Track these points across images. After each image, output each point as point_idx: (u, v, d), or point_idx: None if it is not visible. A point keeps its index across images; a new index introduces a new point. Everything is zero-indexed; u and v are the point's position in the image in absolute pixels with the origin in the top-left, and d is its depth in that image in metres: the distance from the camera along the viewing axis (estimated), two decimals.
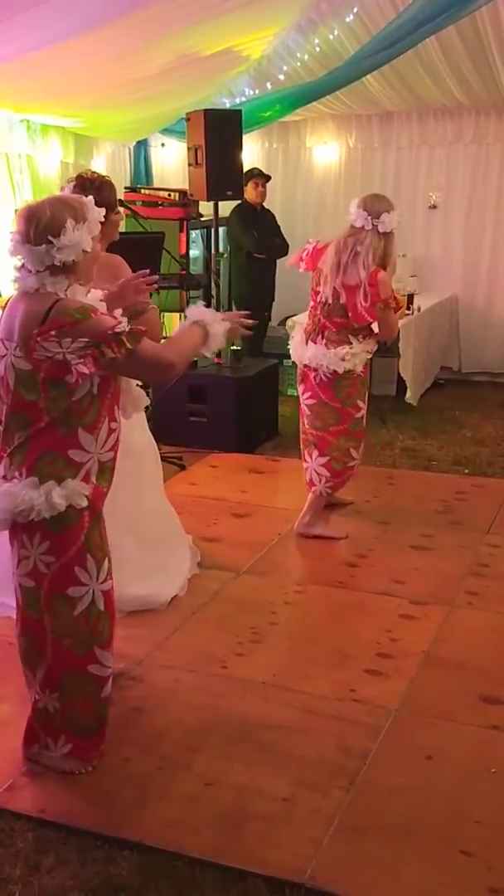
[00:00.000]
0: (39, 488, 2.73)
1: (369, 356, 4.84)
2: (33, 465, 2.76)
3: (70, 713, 2.97)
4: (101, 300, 3.01)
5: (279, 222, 7.90)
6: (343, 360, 4.72)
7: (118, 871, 2.62)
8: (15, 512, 2.75)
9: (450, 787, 2.96)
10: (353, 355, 4.73)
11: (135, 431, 3.91)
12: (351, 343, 4.73)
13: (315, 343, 4.80)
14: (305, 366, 4.87)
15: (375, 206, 4.61)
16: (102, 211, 2.87)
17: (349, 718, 3.32)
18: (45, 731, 3.02)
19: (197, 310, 3.02)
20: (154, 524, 4.28)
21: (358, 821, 2.80)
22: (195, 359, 3.56)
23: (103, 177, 3.98)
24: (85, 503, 2.78)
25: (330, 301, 4.68)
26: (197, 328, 2.96)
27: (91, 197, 2.88)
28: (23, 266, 2.78)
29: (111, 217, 3.86)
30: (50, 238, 2.67)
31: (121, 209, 4.15)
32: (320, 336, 4.78)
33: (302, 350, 4.89)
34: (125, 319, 2.74)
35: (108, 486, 2.90)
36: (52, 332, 2.64)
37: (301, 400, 5.01)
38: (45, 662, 2.92)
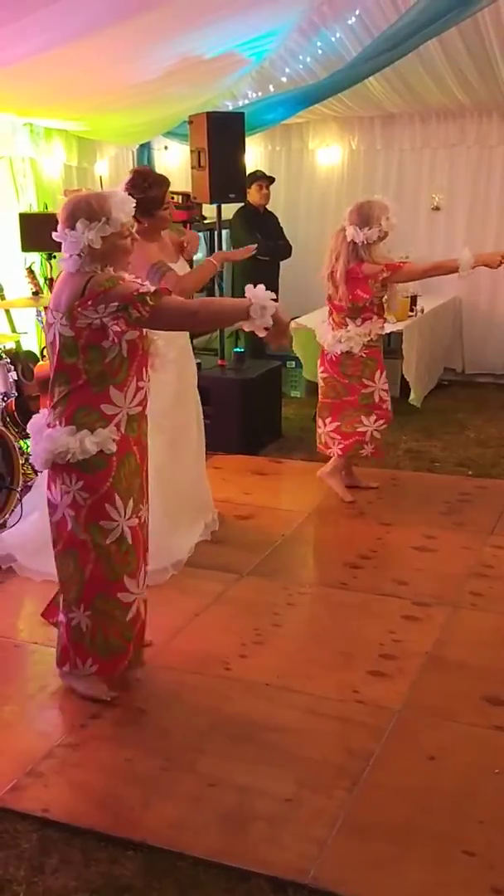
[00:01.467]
0: (76, 435, 3.17)
1: (368, 338, 5.27)
2: (72, 416, 3.21)
3: (98, 633, 3.34)
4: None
5: (282, 224, 7.92)
6: (339, 341, 5.28)
7: (122, 872, 2.62)
8: (55, 454, 3.19)
9: (453, 787, 2.96)
10: (349, 338, 5.26)
11: (184, 407, 4.68)
12: (347, 326, 5.25)
13: (327, 325, 5.42)
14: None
15: (358, 217, 5.03)
16: (129, 200, 3.20)
17: (352, 719, 3.33)
18: (75, 650, 3.38)
19: (252, 290, 3.13)
20: (186, 496, 4.68)
21: (361, 821, 2.80)
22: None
23: (156, 175, 4.46)
24: (114, 449, 3.20)
25: (337, 287, 5.18)
26: (243, 300, 3.12)
27: (123, 199, 3.20)
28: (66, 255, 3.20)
29: (158, 213, 4.41)
30: (66, 229, 3.14)
31: (170, 203, 4.51)
32: (330, 318, 5.39)
33: (319, 330, 5.56)
34: (148, 284, 3.12)
35: (135, 435, 3.31)
36: (90, 302, 3.07)
37: (318, 373, 5.56)
38: (82, 580, 3.30)
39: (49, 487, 3.35)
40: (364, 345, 5.27)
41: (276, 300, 3.11)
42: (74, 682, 3.46)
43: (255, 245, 4.85)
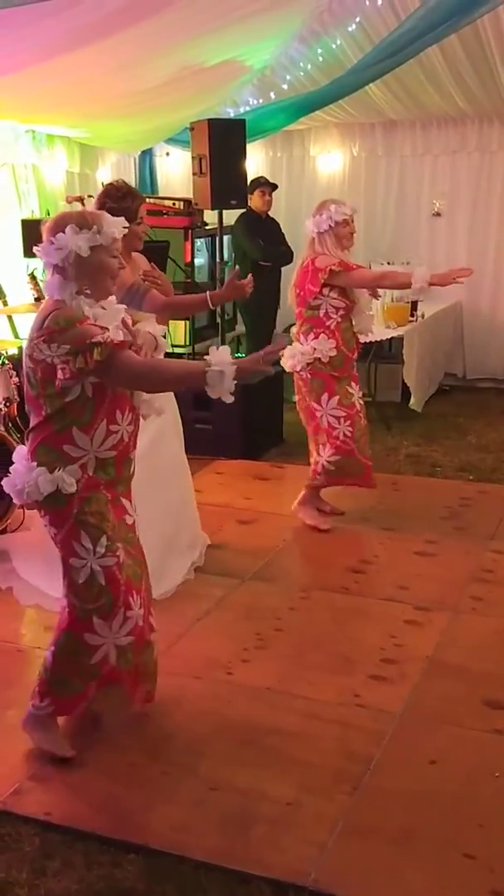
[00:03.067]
0: (32, 472, 3.03)
1: (311, 357, 4.95)
2: (34, 452, 3.06)
3: (56, 672, 3.15)
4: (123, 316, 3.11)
5: (283, 231, 7.94)
6: (287, 357, 5.02)
7: (124, 875, 2.64)
8: (14, 490, 3.08)
9: (453, 791, 2.97)
10: (292, 355, 5.01)
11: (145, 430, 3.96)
12: (301, 340, 5.03)
13: None
14: None
15: (314, 212, 4.97)
16: (122, 228, 3.03)
17: (353, 723, 3.34)
18: (39, 683, 3.22)
19: (213, 351, 2.92)
20: (154, 528, 4.23)
21: (362, 824, 2.82)
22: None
23: (130, 188, 4.22)
24: (73, 489, 3.00)
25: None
26: (199, 364, 2.93)
27: (111, 219, 3.02)
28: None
29: (132, 227, 4.00)
30: (51, 238, 2.95)
31: (143, 219, 4.23)
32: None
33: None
34: (111, 332, 2.89)
35: (109, 478, 3.09)
36: (43, 337, 2.90)
37: None
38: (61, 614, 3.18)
39: None
40: (308, 364, 4.96)
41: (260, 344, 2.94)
42: (34, 731, 3.22)
43: (251, 281, 4.37)
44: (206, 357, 2.90)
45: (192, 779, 3.03)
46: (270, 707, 3.46)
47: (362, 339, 5.23)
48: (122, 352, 2.90)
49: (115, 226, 3.01)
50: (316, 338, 4.95)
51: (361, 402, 5.18)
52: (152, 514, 4.20)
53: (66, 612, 3.13)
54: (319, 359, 4.95)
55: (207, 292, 4.41)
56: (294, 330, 5.18)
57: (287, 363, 5.04)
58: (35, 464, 3.03)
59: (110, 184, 4.25)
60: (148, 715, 3.40)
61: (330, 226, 4.85)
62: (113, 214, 3.58)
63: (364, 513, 5.37)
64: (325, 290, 4.88)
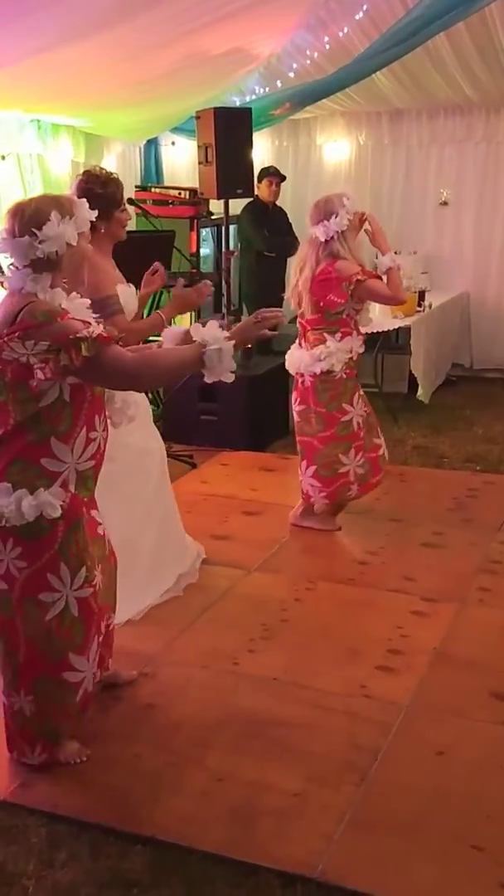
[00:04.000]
0: (11, 496, 2.71)
1: (349, 356, 4.73)
2: (5, 471, 2.74)
3: (44, 718, 2.95)
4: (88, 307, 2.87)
5: (290, 220, 7.91)
6: (319, 360, 4.70)
7: (130, 866, 2.63)
8: None
9: (461, 783, 2.96)
10: (329, 354, 4.69)
11: (134, 432, 3.80)
12: (326, 341, 4.70)
13: (300, 347, 4.85)
14: (296, 372, 4.87)
15: (321, 213, 4.67)
16: (93, 213, 2.87)
17: (360, 715, 3.33)
18: (21, 736, 3.00)
19: (201, 330, 2.79)
20: (152, 517, 4.23)
21: (369, 816, 2.81)
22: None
23: (110, 173, 3.96)
24: (58, 514, 2.73)
25: (301, 302, 4.73)
26: (193, 348, 2.78)
27: (84, 200, 2.88)
28: (11, 265, 2.77)
29: (116, 215, 3.90)
30: (33, 229, 2.67)
31: (130, 208, 4.07)
32: (303, 339, 4.82)
33: (290, 356, 4.93)
34: (96, 325, 2.67)
35: (89, 494, 2.88)
36: (17, 334, 2.63)
37: (293, 407, 4.99)
38: (16, 664, 2.89)
39: None
40: (345, 363, 4.71)
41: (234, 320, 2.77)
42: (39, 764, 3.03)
43: (210, 289, 4.15)
44: (195, 339, 2.72)
45: (198, 770, 3.03)
46: (277, 698, 3.45)
47: (362, 329, 5.00)
48: (111, 347, 2.65)
49: (88, 210, 2.82)
50: (346, 336, 4.71)
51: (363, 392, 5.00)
52: (138, 527, 4.09)
53: (32, 657, 2.86)
54: (352, 357, 4.77)
55: (160, 310, 4.07)
56: (301, 340, 4.86)
57: (318, 366, 4.71)
58: (8, 485, 2.71)
59: (88, 171, 3.99)
60: (153, 706, 3.40)
61: (349, 220, 4.60)
62: (99, 200, 3.53)
63: (370, 504, 5.34)
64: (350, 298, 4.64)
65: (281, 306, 7.88)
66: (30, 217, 2.69)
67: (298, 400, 4.90)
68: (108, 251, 3.96)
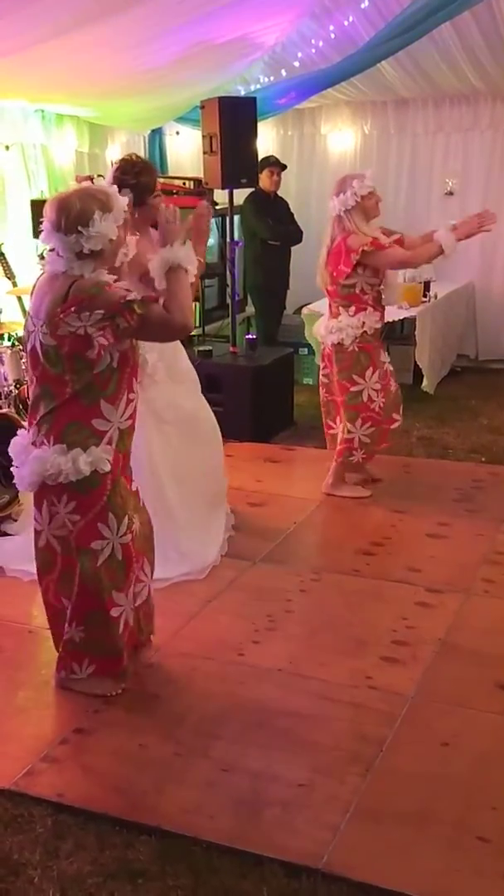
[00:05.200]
0: (67, 454, 3.04)
1: (360, 331, 5.00)
2: (60, 433, 3.06)
3: (92, 641, 3.29)
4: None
5: (294, 210, 7.89)
6: (331, 332, 5.08)
7: (136, 856, 2.64)
8: (45, 475, 3.07)
9: (466, 773, 2.97)
10: (339, 328, 5.03)
11: (187, 399, 4.45)
12: (340, 316, 5.04)
13: (325, 316, 5.24)
14: (320, 339, 5.29)
15: (336, 189, 4.94)
16: (126, 200, 3.10)
17: (365, 705, 3.33)
18: (71, 657, 3.34)
19: (166, 256, 3.10)
20: (200, 485, 4.52)
21: (374, 807, 2.81)
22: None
23: (145, 161, 4.26)
24: (108, 468, 3.08)
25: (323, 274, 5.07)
26: (180, 271, 3.09)
27: (116, 188, 3.13)
28: (52, 250, 3.05)
29: (149, 201, 4.15)
30: (80, 228, 2.94)
31: (160, 194, 4.24)
32: (329, 309, 5.20)
33: (317, 324, 5.41)
34: (135, 291, 2.99)
35: (124, 450, 3.20)
36: (73, 308, 2.92)
37: (319, 370, 5.42)
38: (71, 601, 3.24)
39: (36, 511, 3.24)
40: (357, 337, 5.01)
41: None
42: (77, 685, 3.39)
43: (208, 208, 4.43)
44: (163, 265, 3.06)
45: (203, 760, 3.03)
46: (282, 688, 3.45)
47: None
48: (156, 304, 3.01)
49: (122, 200, 3.07)
50: (360, 311, 5.01)
51: (389, 366, 5.28)
52: (197, 474, 4.48)
53: (84, 596, 3.21)
54: (366, 332, 5.03)
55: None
56: (331, 306, 5.18)
57: (330, 338, 5.09)
58: (63, 445, 3.05)
59: (124, 159, 4.26)
60: (159, 696, 3.40)
61: (357, 202, 4.85)
62: (131, 190, 3.87)
63: (375, 495, 5.35)
64: (359, 269, 4.92)
65: (285, 296, 7.92)
66: (76, 217, 2.95)
67: (323, 364, 5.31)
68: (145, 231, 4.18)
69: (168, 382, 4.21)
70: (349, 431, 5.17)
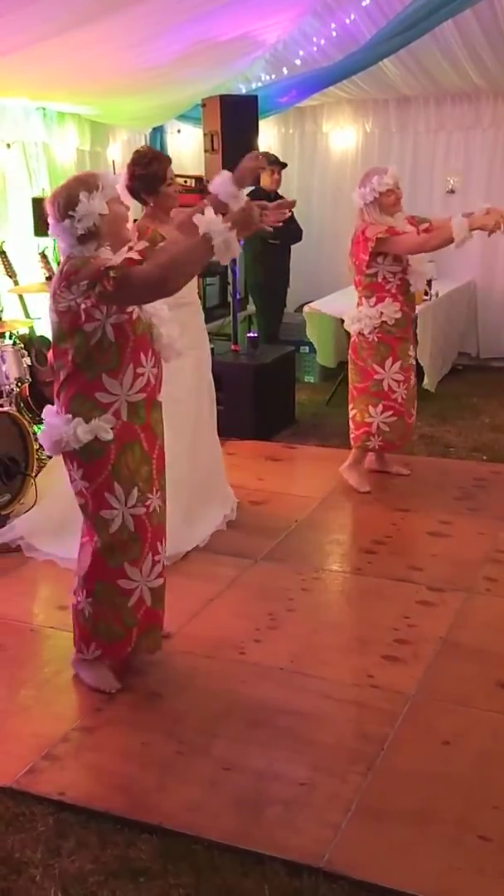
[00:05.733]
0: (70, 424, 3.15)
1: (379, 321, 5.10)
2: (69, 404, 3.19)
3: (99, 618, 3.33)
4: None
5: (295, 208, 7.85)
6: (353, 321, 5.22)
7: (138, 855, 2.64)
8: (52, 441, 3.21)
9: (467, 772, 2.97)
10: (359, 318, 5.17)
11: (186, 377, 4.42)
12: (362, 304, 5.16)
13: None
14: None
15: (360, 183, 5.08)
16: (119, 179, 3.27)
17: (367, 704, 3.33)
18: (81, 634, 3.40)
19: (203, 220, 3.05)
20: (188, 468, 4.51)
21: (376, 805, 2.81)
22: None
23: (156, 151, 4.44)
24: (109, 437, 3.15)
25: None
26: (202, 241, 3.03)
27: (105, 171, 3.29)
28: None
29: (163, 190, 4.33)
30: (70, 213, 3.05)
31: (174, 180, 4.38)
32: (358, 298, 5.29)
33: (347, 312, 5.45)
34: (119, 258, 3.01)
35: (142, 422, 3.25)
36: (64, 283, 3.05)
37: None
38: (85, 569, 3.33)
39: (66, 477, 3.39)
40: (375, 327, 5.12)
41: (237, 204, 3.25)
42: (83, 671, 3.47)
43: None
44: (200, 230, 3.01)
45: (205, 759, 3.03)
46: (283, 687, 3.45)
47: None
48: (135, 266, 3.00)
49: (113, 177, 3.20)
50: (380, 302, 5.10)
51: (414, 360, 5.37)
52: (185, 464, 4.45)
53: (96, 564, 3.29)
54: (385, 322, 5.10)
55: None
56: (355, 298, 5.29)
57: (353, 327, 5.22)
58: (70, 416, 3.16)
59: (136, 151, 4.42)
60: (161, 695, 3.40)
61: (375, 197, 4.95)
62: (142, 180, 4.16)
63: (377, 493, 5.35)
64: (379, 258, 5.01)
65: (286, 295, 7.91)
66: (65, 203, 3.07)
67: (350, 350, 5.38)
68: (165, 218, 4.35)
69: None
70: (370, 416, 5.25)
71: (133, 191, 4.31)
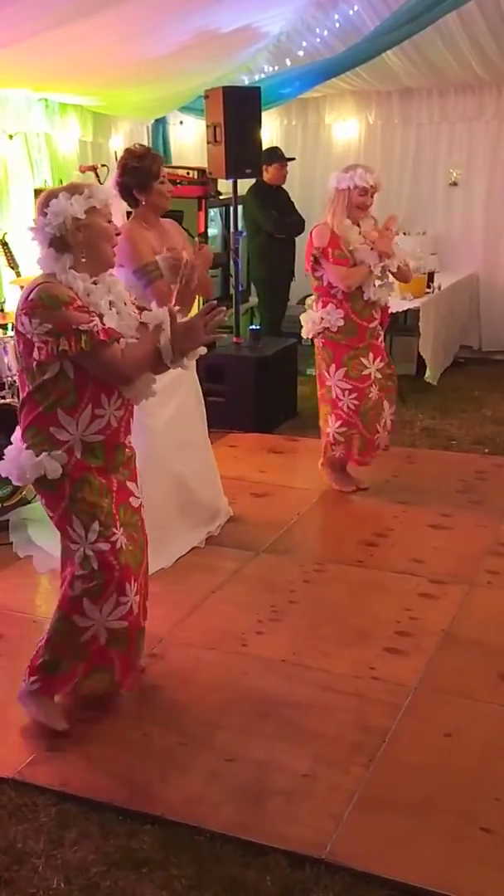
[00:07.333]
0: (21, 455, 2.98)
1: (320, 326, 4.93)
2: (23, 435, 3.02)
3: (49, 648, 3.13)
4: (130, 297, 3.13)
5: (297, 199, 7.86)
6: (303, 323, 5.06)
7: (140, 845, 2.65)
8: (6, 471, 3.04)
9: (469, 764, 2.97)
10: (305, 320, 5.04)
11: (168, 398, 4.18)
12: (313, 307, 5.01)
13: None
14: None
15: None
16: (113, 192, 3.20)
17: (369, 696, 3.34)
18: (31, 661, 3.19)
19: (149, 318, 2.99)
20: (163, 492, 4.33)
21: (377, 797, 2.82)
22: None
23: (148, 149, 4.27)
24: (58, 474, 2.95)
25: None
26: (153, 345, 2.98)
27: (102, 187, 3.08)
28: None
29: (156, 186, 4.18)
30: (45, 210, 2.88)
31: (166, 179, 4.22)
32: None
33: None
34: (98, 323, 2.84)
35: (100, 463, 3.02)
36: (25, 311, 2.85)
37: None
38: (61, 594, 3.14)
39: None
40: (319, 332, 4.95)
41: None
42: (27, 704, 3.19)
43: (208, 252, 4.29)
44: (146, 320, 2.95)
45: (207, 750, 3.04)
46: (285, 679, 3.46)
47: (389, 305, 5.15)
48: (109, 347, 2.85)
49: (106, 191, 2.99)
50: (324, 307, 4.93)
51: (380, 374, 5.09)
52: (166, 485, 4.32)
53: (63, 593, 3.10)
54: (328, 328, 4.93)
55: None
56: (308, 300, 5.17)
57: (304, 331, 5.08)
58: (25, 446, 2.98)
59: (127, 148, 4.31)
60: (163, 686, 3.41)
61: (349, 186, 4.75)
62: (134, 174, 3.99)
63: (379, 486, 5.35)
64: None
65: (289, 288, 7.88)
66: (42, 200, 2.91)
67: None
68: (155, 222, 4.23)
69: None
70: (328, 425, 5.15)
71: (124, 188, 4.13)
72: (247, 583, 4.24)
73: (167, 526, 4.31)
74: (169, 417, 4.34)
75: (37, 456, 2.95)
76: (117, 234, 3.03)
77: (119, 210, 3.59)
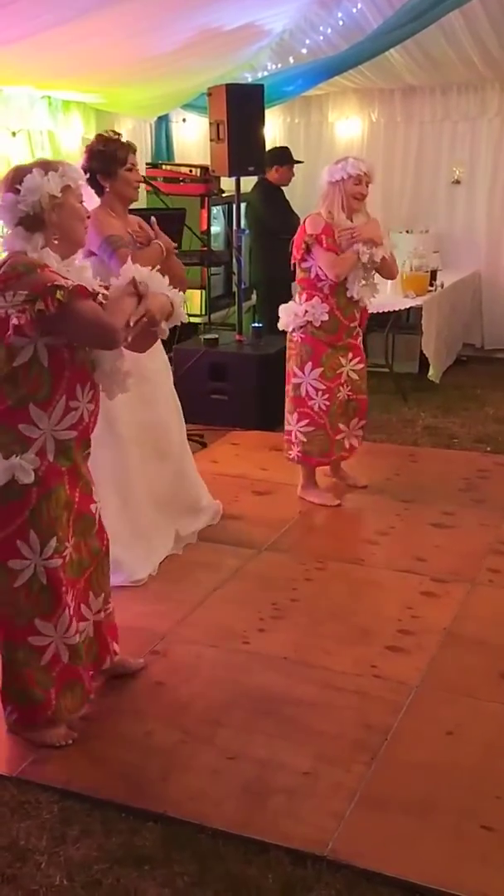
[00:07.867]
0: None
1: (303, 320, 4.80)
2: None
3: (11, 681, 2.99)
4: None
5: (300, 197, 7.84)
6: (282, 315, 4.93)
7: (142, 843, 2.65)
8: None
9: (470, 762, 2.98)
10: (286, 313, 4.90)
11: (150, 360, 3.91)
12: (295, 299, 4.90)
13: None
14: None
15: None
16: (84, 174, 3.01)
17: (370, 694, 3.34)
18: (1, 694, 3.07)
19: (138, 271, 2.87)
20: (146, 497, 4.29)
21: (379, 795, 2.82)
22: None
23: (118, 135, 4.08)
24: (30, 479, 2.76)
25: None
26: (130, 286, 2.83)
27: (73, 164, 2.93)
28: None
29: (121, 173, 4.00)
30: (17, 186, 2.72)
31: (134, 168, 4.06)
32: None
33: None
34: (73, 282, 2.71)
35: (70, 464, 2.89)
36: (0, 285, 2.68)
37: None
38: None
39: None
40: (301, 327, 4.82)
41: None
42: (21, 734, 3.07)
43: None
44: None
45: (209, 748, 3.04)
46: (287, 677, 3.46)
47: (372, 308, 5.06)
48: (87, 299, 2.70)
49: (77, 170, 2.88)
50: (309, 299, 4.81)
51: (356, 375, 4.99)
52: (138, 495, 4.22)
53: (1, 624, 2.92)
54: (311, 322, 4.81)
55: (159, 240, 4.15)
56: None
57: (281, 322, 4.93)
58: None
59: (99, 133, 4.21)
60: (164, 684, 3.41)
61: (342, 177, 4.67)
62: (99, 158, 3.85)
63: (381, 484, 5.35)
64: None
65: (290, 288, 7.86)
66: (13, 176, 2.75)
67: None
68: (121, 212, 4.08)
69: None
70: (288, 423, 5.01)
71: (89, 173, 3.92)
72: (248, 580, 4.24)
73: (145, 535, 4.24)
74: (141, 427, 4.21)
75: (5, 459, 2.75)
76: (87, 217, 2.93)
77: (90, 195, 3.47)
